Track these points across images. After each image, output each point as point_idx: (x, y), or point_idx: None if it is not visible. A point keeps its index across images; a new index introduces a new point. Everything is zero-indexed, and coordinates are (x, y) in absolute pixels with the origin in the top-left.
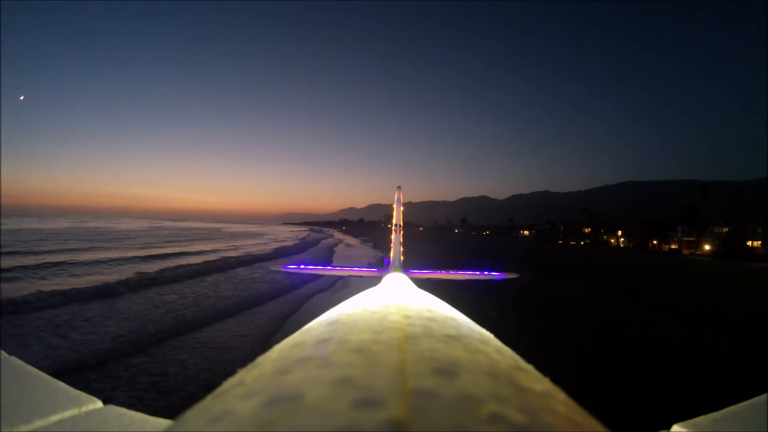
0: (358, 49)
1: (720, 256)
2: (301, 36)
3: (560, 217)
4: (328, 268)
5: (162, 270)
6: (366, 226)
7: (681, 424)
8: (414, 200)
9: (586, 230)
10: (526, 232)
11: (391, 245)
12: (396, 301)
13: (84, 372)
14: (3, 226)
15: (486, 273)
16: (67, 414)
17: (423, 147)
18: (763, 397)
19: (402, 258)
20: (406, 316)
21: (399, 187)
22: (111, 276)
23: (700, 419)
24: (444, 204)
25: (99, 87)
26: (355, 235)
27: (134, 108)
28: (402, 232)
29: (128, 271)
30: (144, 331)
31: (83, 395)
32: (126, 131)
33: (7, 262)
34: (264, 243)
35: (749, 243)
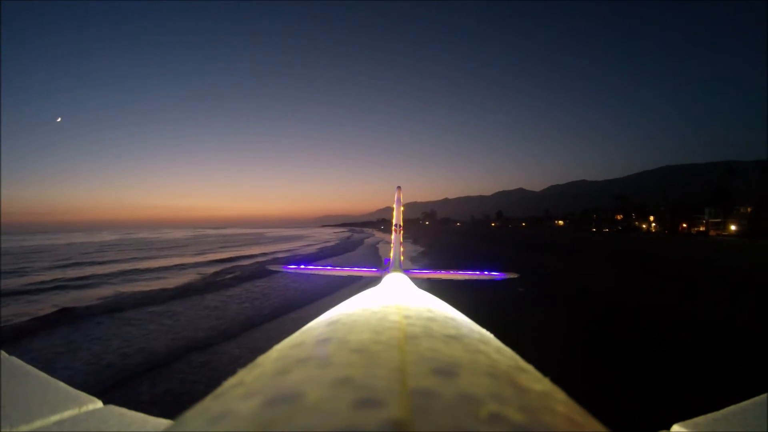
0: (388, 49)
1: (745, 235)
2: (332, 39)
3: (597, 205)
4: (328, 268)
5: (222, 271)
6: (404, 224)
7: (681, 423)
8: (450, 196)
9: (618, 217)
10: (561, 222)
11: (391, 245)
12: (396, 301)
13: (191, 353)
14: (56, 241)
15: (486, 273)
16: (67, 414)
17: (456, 143)
18: (763, 397)
19: (402, 258)
20: (406, 316)
21: (399, 188)
22: (181, 278)
23: (700, 419)
24: (481, 198)
25: (133, 102)
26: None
27: (169, 120)
28: (402, 232)
29: (193, 274)
30: (232, 321)
31: (83, 395)
32: (160, 142)
33: (80, 271)
34: (308, 245)
35: None
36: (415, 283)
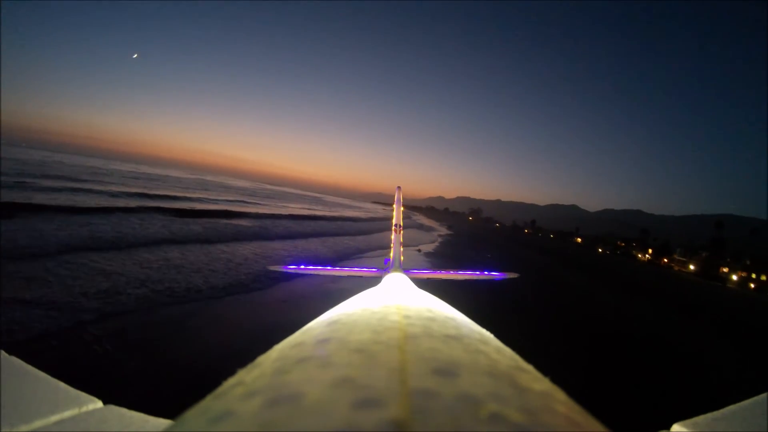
0: (477, 45)
1: (696, 274)
2: (418, 20)
3: (631, 234)
4: (328, 267)
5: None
6: (449, 215)
7: (681, 423)
8: (503, 199)
9: (621, 244)
10: (579, 240)
11: (391, 245)
12: (396, 301)
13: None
14: (138, 169)
15: (486, 273)
16: (67, 414)
17: (517, 147)
18: (763, 396)
19: (402, 258)
20: (406, 316)
21: (399, 188)
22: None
23: (699, 419)
24: (532, 207)
25: (212, 60)
26: (437, 220)
27: (245, 76)
28: (402, 232)
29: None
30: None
31: (83, 395)
32: (228, 93)
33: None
34: (377, 214)
35: (723, 268)
36: (415, 284)
